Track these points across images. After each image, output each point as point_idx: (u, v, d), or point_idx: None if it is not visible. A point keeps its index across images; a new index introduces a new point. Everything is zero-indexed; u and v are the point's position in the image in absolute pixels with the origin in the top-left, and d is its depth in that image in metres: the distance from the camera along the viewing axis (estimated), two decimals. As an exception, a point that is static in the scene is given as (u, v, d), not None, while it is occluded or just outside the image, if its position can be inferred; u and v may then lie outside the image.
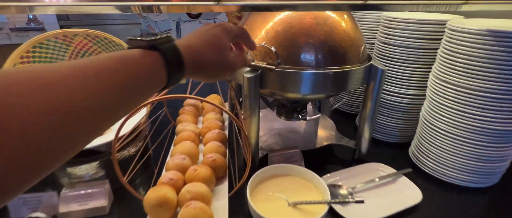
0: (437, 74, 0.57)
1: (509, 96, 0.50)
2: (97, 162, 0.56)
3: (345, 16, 0.57)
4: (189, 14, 2.07)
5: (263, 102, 0.72)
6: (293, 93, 0.55)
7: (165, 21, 2.10)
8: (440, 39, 0.58)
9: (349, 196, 0.53)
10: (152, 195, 0.44)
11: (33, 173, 0.18)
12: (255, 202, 0.49)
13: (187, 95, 0.44)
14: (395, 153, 0.70)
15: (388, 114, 0.71)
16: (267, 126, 0.80)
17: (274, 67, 0.51)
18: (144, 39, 0.27)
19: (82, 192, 0.50)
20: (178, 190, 0.47)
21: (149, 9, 0.43)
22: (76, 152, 0.21)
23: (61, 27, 2.29)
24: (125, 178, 0.49)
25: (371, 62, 0.58)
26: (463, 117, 0.54)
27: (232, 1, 0.37)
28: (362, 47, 0.58)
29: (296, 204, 0.49)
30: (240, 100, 0.88)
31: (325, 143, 0.69)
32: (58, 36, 0.59)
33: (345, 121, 0.86)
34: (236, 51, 0.45)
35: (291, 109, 0.68)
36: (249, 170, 0.52)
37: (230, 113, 0.47)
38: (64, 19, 2.29)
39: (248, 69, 0.53)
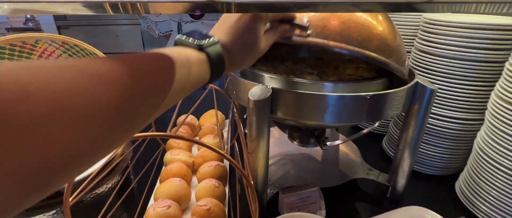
0: (502, 94, 0.43)
1: None
2: (54, 211, 0.43)
3: (380, 16, 0.43)
4: (191, 15, 1.95)
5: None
6: (313, 121, 0.42)
7: (165, 21, 1.99)
8: (508, 50, 0.44)
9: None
10: None
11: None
12: None
13: (170, 134, 0.31)
14: (438, 190, 0.56)
15: (430, 141, 0.57)
16: (277, 150, 0.66)
17: (308, 25, 0.38)
18: (192, 41, 0.29)
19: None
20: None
21: (134, 8, 0.30)
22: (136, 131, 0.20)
23: (58, 27, 2.20)
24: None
25: (416, 80, 0.44)
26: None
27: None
28: (406, 62, 0.44)
29: None
30: (245, 116, 0.74)
31: (349, 178, 0.56)
32: (14, 42, 0.47)
33: (368, 144, 0.72)
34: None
35: (307, 133, 0.55)
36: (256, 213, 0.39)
37: (231, 160, 0.33)
38: (61, 19, 2.19)
39: (255, 91, 0.40)
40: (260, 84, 0.41)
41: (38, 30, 2.27)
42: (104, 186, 0.46)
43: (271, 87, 0.40)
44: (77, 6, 0.28)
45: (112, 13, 0.28)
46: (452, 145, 0.55)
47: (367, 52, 0.38)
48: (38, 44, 0.49)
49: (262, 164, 0.45)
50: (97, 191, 0.45)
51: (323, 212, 0.49)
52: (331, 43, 0.38)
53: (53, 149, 0.13)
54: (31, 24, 2.26)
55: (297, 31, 0.38)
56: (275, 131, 0.72)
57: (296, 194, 0.49)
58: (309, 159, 0.63)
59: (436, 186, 0.57)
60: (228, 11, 0.26)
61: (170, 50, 0.25)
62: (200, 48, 0.28)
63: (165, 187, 0.45)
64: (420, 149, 0.58)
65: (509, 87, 0.42)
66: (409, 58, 0.60)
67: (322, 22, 0.39)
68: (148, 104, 0.20)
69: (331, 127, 0.53)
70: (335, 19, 0.39)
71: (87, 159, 0.16)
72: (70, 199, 0.33)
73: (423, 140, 0.57)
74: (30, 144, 0.12)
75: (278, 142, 0.69)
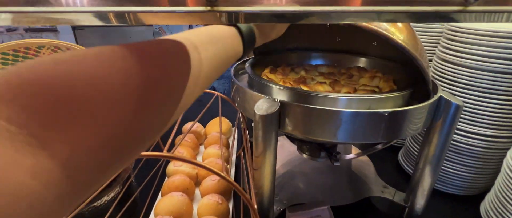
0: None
1: None
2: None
3: (400, 24, 0.39)
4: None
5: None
6: (324, 138, 0.38)
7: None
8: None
9: None
10: None
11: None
12: None
13: (166, 154, 0.29)
14: (460, 211, 0.52)
15: (454, 159, 0.52)
16: (286, 161, 0.63)
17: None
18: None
19: None
20: None
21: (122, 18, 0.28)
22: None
23: (73, 29, 2.25)
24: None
25: (439, 94, 0.40)
26: None
27: (230, 6, 0.21)
28: (429, 69, 0.40)
29: None
30: (252, 125, 0.71)
31: (362, 196, 0.52)
32: (18, 48, 0.46)
33: (383, 156, 0.68)
34: None
35: (317, 146, 0.52)
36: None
37: (234, 184, 0.31)
38: (76, 21, 2.23)
39: (261, 104, 0.37)
40: (268, 97, 0.38)
41: (55, 31, 2.33)
42: (104, 198, 0.44)
43: (279, 100, 0.37)
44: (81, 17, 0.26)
45: (116, 24, 0.25)
46: (478, 164, 0.50)
47: (396, 39, 0.35)
48: (41, 49, 0.48)
49: (268, 180, 0.42)
50: (95, 204, 0.43)
51: (334, 233, 0.45)
52: (365, 24, 0.35)
53: (112, 122, 0.14)
54: (48, 25, 2.32)
55: None
56: (284, 141, 0.69)
57: (304, 213, 0.46)
58: (320, 173, 0.59)
59: (459, 207, 0.53)
60: (230, 21, 0.23)
61: (198, 30, 0.25)
62: (233, 24, 0.29)
63: (166, 202, 0.42)
64: (443, 168, 0.54)
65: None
66: (430, 67, 0.56)
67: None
68: (171, 86, 0.20)
69: (345, 144, 0.49)
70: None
71: (137, 137, 0.17)
72: None
73: (446, 158, 0.53)
74: (95, 116, 0.14)
75: (287, 153, 0.66)
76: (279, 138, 0.72)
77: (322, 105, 0.37)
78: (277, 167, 0.61)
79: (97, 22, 0.25)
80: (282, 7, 0.23)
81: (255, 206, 0.34)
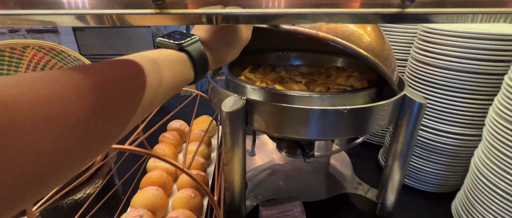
0: (500, 110, 0.39)
1: None
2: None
3: (368, 27, 0.41)
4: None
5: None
6: (290, 134, 0.40)
7: (174, 24, 2.03)
8: (508, 62, 0.40)
9: None
10: None
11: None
12: None
13: (147, 151, 0.30)
14: (433, 209, 0.53)
15: (425, 156, 0.53)
16: (267, 158, 0.65)
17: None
18: (172, 41, 0.29)
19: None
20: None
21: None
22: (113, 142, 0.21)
23: (74, 29, 2.29)
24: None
25: (403, 93, 0.41)
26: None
27: (177, 8, 0.23)
28: (396, 71, 0.41)
29: None
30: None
31: (336, 192, 0.53)
32: (3, 48, 0.48)
33: (364, 154, 0.69)
34: None
35: (293, 144, 0.53)
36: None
37: (194, 178, 0.32)
38: (77, 22, 2.27)
39: (228, 102, 0.39)
40: (235, 95, 0.40)
41: (56, 32, 2.37)
42: (82, 191, 0.46)
43: (245, 98, 0.39)
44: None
45: (95, 25, 0.27)
46: (449, 162, 0.51)
47: (355, 47, 0.36)
48: (26, 50, 0.50)
49: (238, 175, 0.43)
50: (74, 197, 0.45)
51: (305, 228, 0.47)
52: (321, 34, 0.36)
53: (31, 155, 0.14)
54: (49, 26, 2.36)
55: None
56: (267, 140, 0.71)
57: (276, 208, 0.48)
58: (298, 170, 0.61)
59: (431, 204, 0.54)
60: (210, 22, 0.25)
61: (146, 55, 0.25)
62: (181, 48, 0.28)
63: (141, 196, 0.44)
64: (415, 165, 0.55)
65: (508, 103, 0.38)
66: (406, 68, 0.57)
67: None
68: (121, 111, 0.21)
69: (313, 140, 0.51)
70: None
71: (67, 166, 0.17)
72: (34, 208, 0.33)
73: (419, 155, 0.54)
74: (10, 150, 0.13)
75: (268, 151, 0.67)
76: (259, 136, 0.73)
77: (287, 104, 0.38)
78: (258, 164, 0.63)
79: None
80: (225, 10, 0.25)
81: (215, 198, 0.35)
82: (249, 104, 0.39)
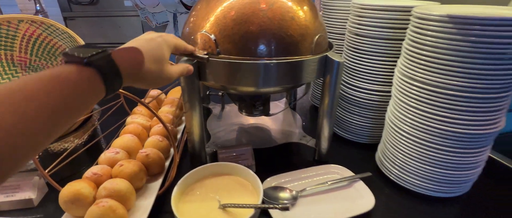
0: (402, 69, 0.50)
1: (477, 94, 0.43)
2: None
3: (296, 1, 0.51)
4: (185, 5, 2.05)
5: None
6: (235, 85, 0.51)
7: (162, 13, 2.09)
8: (405, 29, 0.51)
9: (287, 201, 0.48)
10: (66, 190, 0.42)
11: None
12: (184, 202, 0.45)
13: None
14: (363, 156, 0.64)
15: (356, 111, 0.65)
16: (230, 120, 0.76)
17: (207, 56, 0.47)
18: (78, 55, 0.27)
19: (8, 184, 0.48)
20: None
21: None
22: (18, 170, 0.22)
23: (65, 18, 2.35)
24: (47, 170, 0.47)
25: (326, 54, 0.52)
26: (428, 119, 0.47)
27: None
28: (317, 37, 0.52)
29: (225, 206, 0.44)
30: (207, 92, 0.84)
31: (283, 141, 0.64)
32: (1, 22, 0.58)
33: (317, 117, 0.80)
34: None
35: (250, 104, 0.64)
36: (190, 168, 0.48)
37: (160, 118, 0.43)
38: (67, 11, 2.33)
39: (185, 58, 0.49)
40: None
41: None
42: (70, 138, 0.56)
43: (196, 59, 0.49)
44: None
45: None
46: (372, 115, 0.63)
47: (285, 32, 0.47)
48: (20, 23, 0.59)
49: (196, 124, 0.54)
50: (65, 145, 0.55)
51: (253, 167, 0.58)
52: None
53: None
54: (40, 16, 2.42)
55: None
56: (235, 107, 0.82)
57: (230, 151, 0.59)
58: (256, 128, 0.72)
59: (363, 153, 0.65)
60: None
61: (50, 72, 0.25)
62: (88, 63, 0.27)
63: (119, 140, 0.55)
64: (347, 119, 0.66)
65: (406, 63, 0.49)
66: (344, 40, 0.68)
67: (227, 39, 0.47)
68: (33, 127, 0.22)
69: (260, 93, 0.60)
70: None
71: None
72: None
73: (349, 110, 0.65)
74: None
75: (234, 115, 0.78)
76: (228, 104, 0.84)
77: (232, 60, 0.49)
78: (223, 125, 0.74)
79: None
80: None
81: (171, 135, 0.46)
82: (200, 63, 0.49)
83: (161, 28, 2.13)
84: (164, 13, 2.08)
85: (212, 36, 0.48)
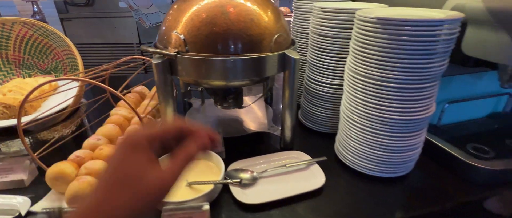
0: (350, 65, 0.57)
1: (407, 85, 0.49)
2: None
3: (258, 5, 0.57)
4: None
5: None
6: (205, 80, 0.57)
7: (155, 14, 2.16)
8: (351, 28, 0.58)
9: (247, 180, 0.55)
10: (52, 169, 0.48)
11: None
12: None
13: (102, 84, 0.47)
14: (324, 144, 0.71)
15: (319, 104, 0.72)
16: (208, 113, 0.82)
17: (175, 53, 0.53)
18: None
19: (2, 166, 0.55)
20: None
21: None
22: None
23: (61, 19, 2.42)
24: (36, 153, 0.54)
25: (284, 51, 0.59)
26: (372, 108, 0.53)
27: None
28: (276, 36, 0.58)
29: (191, 184, 0.51)
30: (188, 88, 0.90)
31: (253, 131, 0.71)
32: (-3, 24, 0.64)
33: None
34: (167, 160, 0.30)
35: (223, 98, 0.71)
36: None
37: (134, 109, 0.50)
38: (64, 12, 2.40)
39: (157, 55, 0.56)
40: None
41: (44, 22, 2.49)
42: (58, 128, 0.63)
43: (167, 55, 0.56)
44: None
45: None
46: (331, 106, 0.69)
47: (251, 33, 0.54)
48: (14, 25, 0.66)
49: (170, 114, 0.61)
50: (54, 133, 0.62)
51: (223, 154, 0.64)
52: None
53: None
54: (38, 17, 2.49)
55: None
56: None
57: (202, 139, 0.65)
58: (230, 119, 0.79)
59: (325, 142, 0.71)
60: None
61: None
62: None
63: (102, 129, 0.61)
64: (311, 110, 0.73)
65: (353, 59, 0.56)
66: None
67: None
68: None
69: (229, 87, 0.67)
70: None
71: None
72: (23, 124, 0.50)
73: (312, 102, 0.72)
74: None
75: (212, 109, 0.85)
76: (207, 99, 0.90)
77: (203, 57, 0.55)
78: (204, 118, 0.80)
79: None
80: None
81: (143, 122, 0.52)
82: (171, 60, 0.56)
83: (155, 29, 2.21)
84: (158, 14, 2.15)
85: (182, 36, 0.55)
